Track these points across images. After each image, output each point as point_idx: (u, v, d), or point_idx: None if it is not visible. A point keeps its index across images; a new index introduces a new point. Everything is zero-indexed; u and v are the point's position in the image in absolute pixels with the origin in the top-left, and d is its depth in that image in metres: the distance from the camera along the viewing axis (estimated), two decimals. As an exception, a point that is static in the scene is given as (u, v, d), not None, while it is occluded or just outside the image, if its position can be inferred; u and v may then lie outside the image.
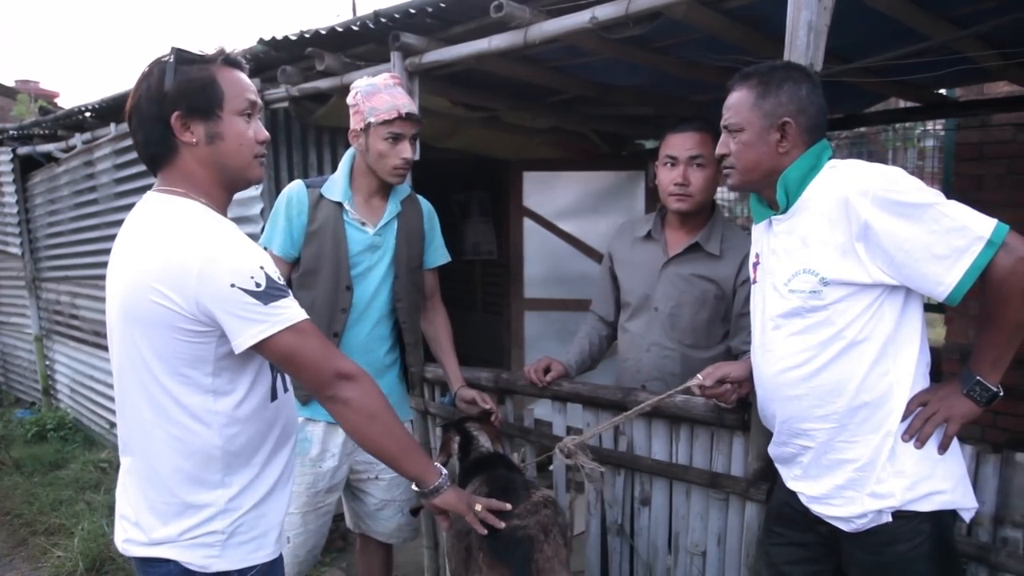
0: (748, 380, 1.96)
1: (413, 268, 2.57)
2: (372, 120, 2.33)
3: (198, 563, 1.55)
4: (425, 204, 2.65)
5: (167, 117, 1.51)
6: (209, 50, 1.58)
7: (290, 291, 1.55)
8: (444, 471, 1.79)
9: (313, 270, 2.44)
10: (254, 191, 3.55)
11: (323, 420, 2.49)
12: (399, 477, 2.65)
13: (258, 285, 1.45)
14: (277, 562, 1.70)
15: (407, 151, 2.39)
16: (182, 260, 1.44)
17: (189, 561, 1.55)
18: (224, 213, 1.63)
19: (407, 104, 2.37)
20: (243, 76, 1.61)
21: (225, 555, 1.57)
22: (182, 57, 1.53)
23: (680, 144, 2.38)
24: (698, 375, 2.00)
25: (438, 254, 2.69)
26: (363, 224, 2.46)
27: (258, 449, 1.62)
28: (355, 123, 2.40)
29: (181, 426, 1.53)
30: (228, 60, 1.58)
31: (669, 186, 2.40)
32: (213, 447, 1.54)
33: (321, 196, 2.44)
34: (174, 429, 1.53)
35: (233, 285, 1.43)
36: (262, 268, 1.48)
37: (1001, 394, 1.61)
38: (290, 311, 1.51)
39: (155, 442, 1.54)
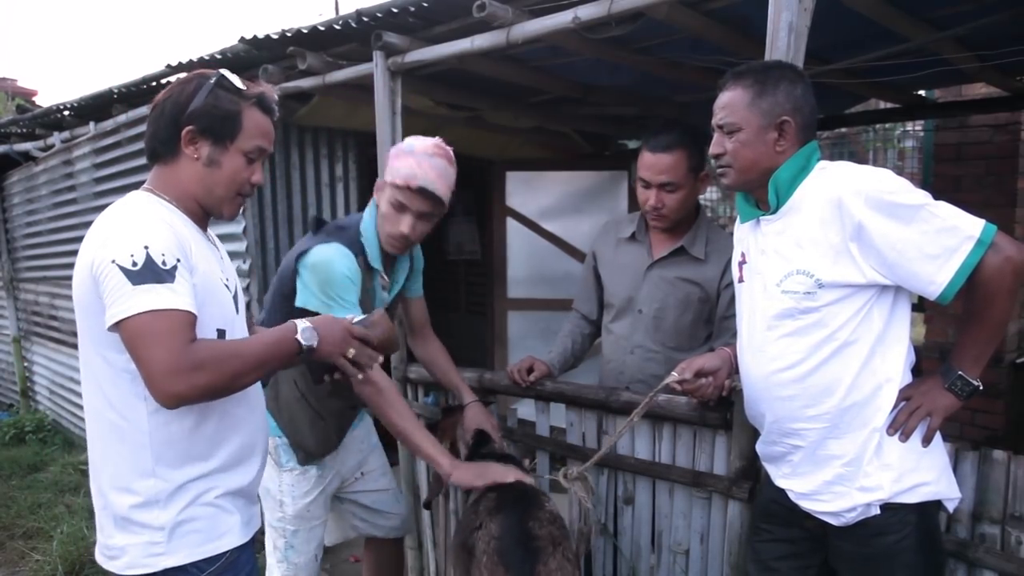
0: (721, 369, 1.97)
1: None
2: (388, 179, 2.20)
3: (142, 562, 1.52)
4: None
5: (181, 126, 1.57)
6: (252, 87, 1.63)
7: (176, 277, 1.43)
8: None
9: None
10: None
11: None
12: (380, 468, 2.63)
13: (134, 264, 1.41)
14: (246, 546, 1.66)
15: (406, 225, 2.19)
16: (94, 238, 1.49)
17: (138, 562, 1.52)
18: (203, 226, 1.67)
19: (426, 179, 2.13)
20: (267, 122, 1.66)
21: (171, 551, 1.53)
22: (221, 82, 1.60)
23: (652, 167, 2.33)
24: (673, 372, 1.97)
25: (418, 283, 2.59)
26: (383, 285, 2.36)
27: (199, 439, 1.56)
28: (383, 176, 2.30)
29: (114, 411, 1.51)
30: (262, 103, 1.64)
31: (645, 205, 2.39)
32: (142, 433, 1.51)
33: (367, 265, 2.27)
34: (110, 414, 1.52)
35: (113, 261, 1.42)
36: (146, 248, 1.42)
37: (981, 388, 1.64)
38: (157, 297, 1.39)
39: (101, 431, 1.54)
